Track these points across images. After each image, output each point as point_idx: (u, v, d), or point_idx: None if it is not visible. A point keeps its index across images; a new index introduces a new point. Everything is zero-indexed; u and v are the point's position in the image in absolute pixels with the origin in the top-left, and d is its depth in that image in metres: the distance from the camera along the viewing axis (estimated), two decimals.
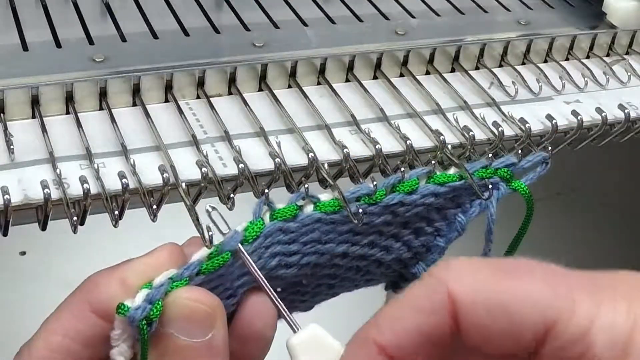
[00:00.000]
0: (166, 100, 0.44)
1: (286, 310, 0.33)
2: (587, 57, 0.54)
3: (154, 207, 0.37)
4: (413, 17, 0.53)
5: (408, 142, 0.42)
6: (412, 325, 0.28)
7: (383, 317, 0.29)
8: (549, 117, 0.45)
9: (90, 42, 0.45)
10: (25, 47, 0.44)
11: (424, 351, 0.28)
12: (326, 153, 0.41)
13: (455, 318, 0.28)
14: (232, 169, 0.39)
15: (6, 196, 0.35)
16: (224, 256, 0.33)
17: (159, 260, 0.33)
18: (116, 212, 0.37)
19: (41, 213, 0.36)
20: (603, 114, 0.46)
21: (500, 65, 0.51)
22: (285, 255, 0.35)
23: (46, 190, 0.36)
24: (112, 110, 0.42)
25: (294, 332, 0.32)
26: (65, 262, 0.33)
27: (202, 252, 0.33)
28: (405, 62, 0.49)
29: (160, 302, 0.31)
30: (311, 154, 0.40)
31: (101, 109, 0.43)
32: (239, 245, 0.33)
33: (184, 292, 0.31)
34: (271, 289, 0.34)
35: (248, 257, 0.33)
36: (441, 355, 0.28)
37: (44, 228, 0.37)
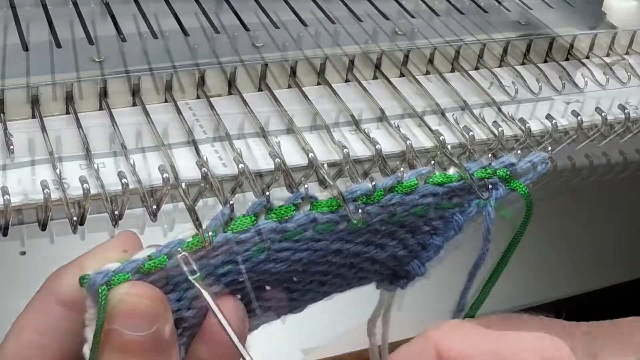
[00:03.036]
0: (166, 100, 0.44)
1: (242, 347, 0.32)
2: (587, 57, 0.54)
3: (154, 207, 0.37)
4: (413, 17, 0.53)
5: (408, 142, 0.42)
6: None
7: None
8: (549, 117, 0.45)
9: (90, 42, 0.45)
10: (25, 47, 0.44)
11: None
12: (326, 153, 0.41)
13: None
14: (232, 169, 0.39)
15: (6, 196, 0.35)
16: (209, 236, 0.33)
17: (117, 244, 0.33)
18: (116, 212, 0.37)
19: (41, 213, 0.36)
20: (603, 114, 0.46)
21: (500, 65, 0.51)
22: (276, 251, 0.35)
23: (46, 190, 0.36)
24: (112, 110, 0.42)
25: None
26: (65, 262, 0.33)
27: (186, 233, 0.33)
28: (405, 62, 0.49)
29: (128, 275, 0.31)
30: (311, 154, 0.40)
31: (101, 109, 0.43)
32: (184, 253, 0.32)
33: (123, 287, 0.31)
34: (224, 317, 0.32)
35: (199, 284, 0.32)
36: None
37: (44, 228, 0.37)
